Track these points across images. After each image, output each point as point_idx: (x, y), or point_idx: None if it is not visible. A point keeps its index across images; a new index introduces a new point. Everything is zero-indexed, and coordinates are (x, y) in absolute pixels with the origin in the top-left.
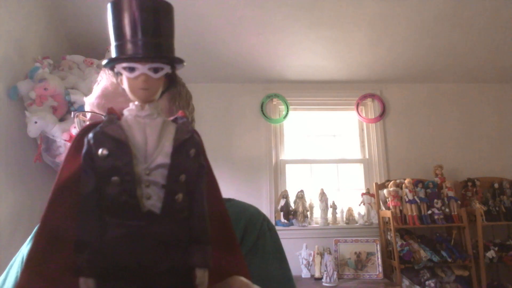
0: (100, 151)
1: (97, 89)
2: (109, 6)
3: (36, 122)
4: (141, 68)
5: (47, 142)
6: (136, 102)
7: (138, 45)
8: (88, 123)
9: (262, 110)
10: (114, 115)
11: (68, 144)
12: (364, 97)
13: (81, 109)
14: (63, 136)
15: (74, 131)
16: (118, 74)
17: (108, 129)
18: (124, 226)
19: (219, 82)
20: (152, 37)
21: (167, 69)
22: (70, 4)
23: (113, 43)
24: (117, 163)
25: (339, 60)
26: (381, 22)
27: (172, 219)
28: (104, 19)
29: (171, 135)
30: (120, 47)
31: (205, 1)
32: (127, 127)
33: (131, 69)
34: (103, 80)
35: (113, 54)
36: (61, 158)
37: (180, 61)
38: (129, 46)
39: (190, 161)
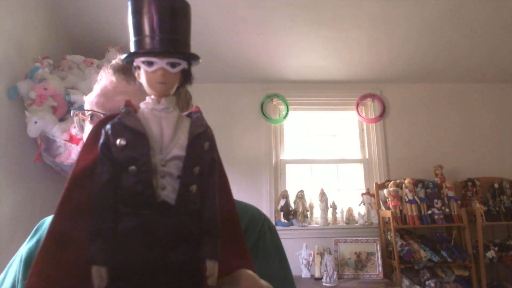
0: (118, 141)
1: (96, 88)
2: (129, 3)
3: (36, 122)
4: (159, 63)
5: (47, 142)
6: (153, 96)
7: (157, 40)
8: (87, 122)
9: (262, 110)
10: (131, 108)
11: (69, 144)
12: (364, 97)
13: (81, 109)
14: (63, 136)
15: (74, 131)
16: (136, 68)
17: (126, 120)
18: (138, 216)
19: (219, 82)
20: (170, 33)
21: (184, 64)
22: (70, 4)
23: (132, 38)
24: (135, 154)
25: (339, 60)
26: (381, 22)
27: (185, 210)
28: (104, 18)
29: (186, 129)
30: (139, 42)
31: (205, 1)
32: (144, 119)
33: (150, 63)
34: (103, 79)
35: (132, 49)
36: (61, 158)
37: (197, 57)
38: (147, 41)
39: (204, 154)
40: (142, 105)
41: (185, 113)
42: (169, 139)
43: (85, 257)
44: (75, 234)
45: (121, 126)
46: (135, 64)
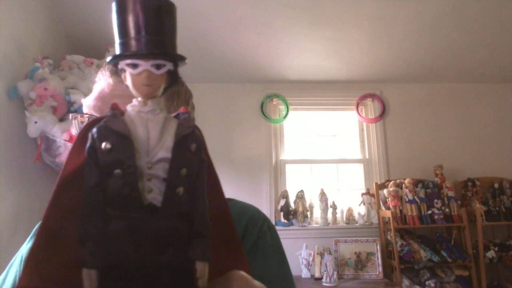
0: (103, 145)
1: (94, 91)
2: (113, 4)
3: (36, 122)
4: (144, 65)
5: (47, 142)
6: (139, 98)
7: (142, 42)
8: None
9: (262, 110)
10: (117, 110)
11: (69, 144)
12: (364, 97)
13: (80, 109)
14: (63, 136)
15: (74, 131)
16: (121, 71)
17: (111, 123)
18: (126, 219)
19: (219, 82)
20: (155, 35)
21: (169, 66)
22: (70, 4)
23: (117, 40)
24: (120, 157)
25: (339, 60)
26: (381, 22)
27: (172, 212)
28: (104, 18)
29: (173, 130)
30: (124, 44)
31: (205, 1)
32: (130, 122)
33: (134, 66)
34: (101, 81)
35: (117, 51)
36: (61, 158)
37: (182, 58)
38: (132, 43)
39: (191, 155)
40: (128, 108)
41: (173, 114)
42: (155, 141)
43: (75, 259)
44: (66, 233)
45: (107, 129)
46: (120, 66)
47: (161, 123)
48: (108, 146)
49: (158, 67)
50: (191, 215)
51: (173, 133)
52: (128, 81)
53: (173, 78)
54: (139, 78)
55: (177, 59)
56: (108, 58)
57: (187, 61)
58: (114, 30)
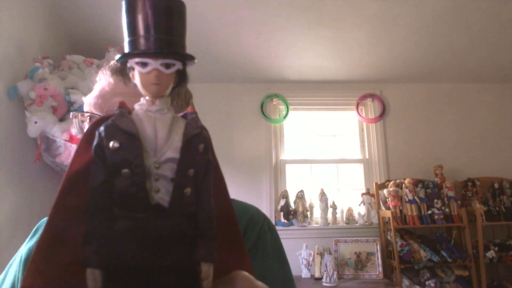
0: (111, 143)
1: (95, 89)
2: (123, 2)
3: (36, 122)
4: (153, 64)
5: (47, 142)
6: (147, 97)
7: (151, 41)
8: (86, 123)
9: (262, 110)
10: (125, 109)
11: (69, 144)
12: (364, 97)
13: (81, 109)
14: (63, 136)
15: (74, 131)
16: (130, 69)
17: (119, 122)
18: (132, 219)
19: (219, 82)
20: (165, 34)
21: (178, 65)
22: (70, 4)
23: (126, 38)
24: (128, 156)
25: (339, 60)
26: (381, 22)
27: (179, 213)
28: (104, 18)
29: (181, 130)
30: (133, 43)
31: (206, 1)
32: (138, 121)
33: (144, 64)
34: (101, 80)
35: (126, 49)
36: (61, 158)
37: (191, 57)
38: (142, 41)
39: (198, 156)
40: (136, 107)
41: (180, 114)
42: (163, 141)
43: (80, 259)
44: (71, 234)
45: (114, 128)
46: (129, 65)
47: (169, 122)
48: (116, 145)
49: (167, 66)
50: (197, 216)
51: (181, 133)
52: (137, 80)
53: (181, 78)
54: (148, 76)
55: (186, 59)
56: (117, 56)
57: (196, 60)
58: (123, 28)
